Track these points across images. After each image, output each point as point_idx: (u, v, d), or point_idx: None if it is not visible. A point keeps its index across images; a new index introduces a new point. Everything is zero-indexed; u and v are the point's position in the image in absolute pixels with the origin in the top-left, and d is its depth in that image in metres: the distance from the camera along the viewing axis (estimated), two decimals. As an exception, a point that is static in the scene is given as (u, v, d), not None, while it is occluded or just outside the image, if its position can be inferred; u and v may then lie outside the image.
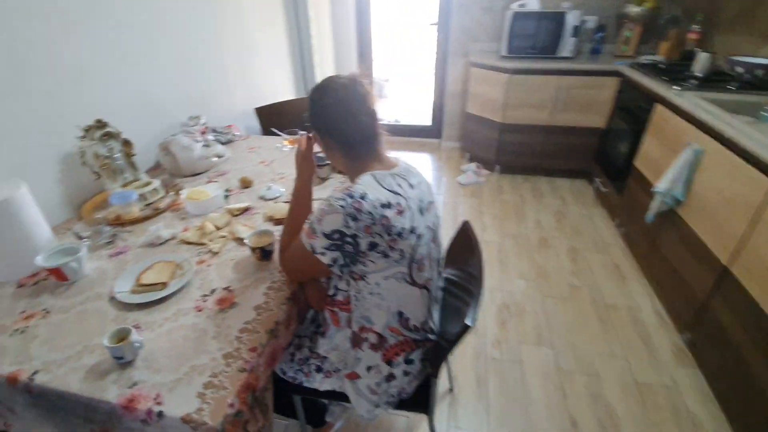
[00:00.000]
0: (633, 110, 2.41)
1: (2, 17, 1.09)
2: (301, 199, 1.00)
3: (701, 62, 2.14)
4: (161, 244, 1.17)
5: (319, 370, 0.98)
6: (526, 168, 3.27)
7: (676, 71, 2.26)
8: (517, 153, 3.15)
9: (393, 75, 5.76)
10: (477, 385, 1.56)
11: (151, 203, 1.38)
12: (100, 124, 1.30)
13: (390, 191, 0.81)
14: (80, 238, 1.16)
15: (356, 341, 0.92)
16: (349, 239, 0.78)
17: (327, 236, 0.79)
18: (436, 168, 3.53)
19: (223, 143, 1.90)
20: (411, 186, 0.86)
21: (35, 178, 1.22)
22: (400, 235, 0.79)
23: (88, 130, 1.28)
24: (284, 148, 1.84)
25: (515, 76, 2.85)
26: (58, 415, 0.82)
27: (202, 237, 1.18)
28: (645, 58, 2.69)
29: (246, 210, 1.33)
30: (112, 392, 0.74)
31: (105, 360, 0.80)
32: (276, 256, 1.09)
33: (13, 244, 1.02)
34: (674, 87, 2.01)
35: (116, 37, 1.44)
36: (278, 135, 1.87)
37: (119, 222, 1.26)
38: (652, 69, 2.38)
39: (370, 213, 0.76)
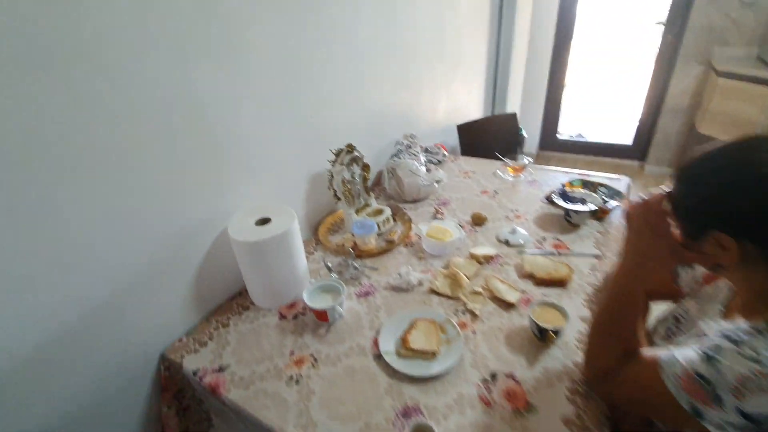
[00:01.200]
0: None
1: (288, 63, 1.09)
2: (630, 297, 0.69)
3: None
4: (407, 289, 1.05)
5: None
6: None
7: None
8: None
9: (573, 80, 5.10)
10: None
11: (382, 233, 1.29)
12: (350, 149, 1.25)
13: None
14: (329, 269, 1.11)
15: None
16: None
17: (748, 417, 0.49)
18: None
19: (434, 164, 1.78)
20: None
21: (289, 197, 1.23)
22: None
23: (338, 154, 1.25)
24: (506, 176, 1.62)
25: (797, 92, 2.12)
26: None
27: (454, 288, 1.02)
28: None
29: (492, 258, 1.14)
30: None
31: (396, 455, 0.67)
32: (559, 339, 0.86)
33: (282, 273, 1.00)
34: None
35: (357, 64, 1.40)
36: (500, 160, 1.65)
37: (358, 254, 1.19)
38: None
39: None
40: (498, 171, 1.66)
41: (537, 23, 3.17)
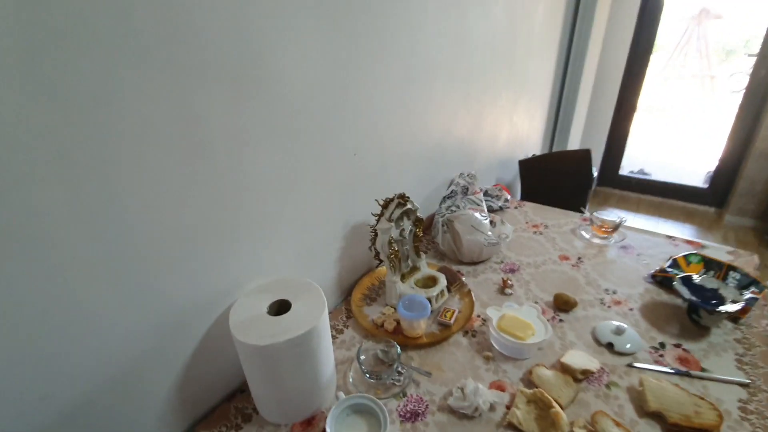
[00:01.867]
0: None
1: (323, 89, 0.82)
2: None
3: None
4: (473, 416, 0.74)
5: None
6: None
7: None
8: None
9: (642, 110, 4.67)
10: None
11: (434, 310, 0.98)
12: (402, 200, 0.96)
13: None
14: (363, 371, 0.81)
15: None
16: None
17: None
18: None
19: (494, 211, 1.46)
20: None
21: (316, 258, 0.95)
22: None
23: (386, 206, 0.95)
24: (591, 236, 1.28)
25: None
26: None
27: (545, 427, 0.70)
28: None
29: (593, 374, 0.81)
30: None
31: None
32: None
33: (300, 383, 0.71)
34: None
35: (413, 89, 1.11)
36: (583, 214, 1.32)
37: (402, 341, 0.89)
38: None
39: None
40: (580, 230, 1.33)
41: (608, 46, 2.82)
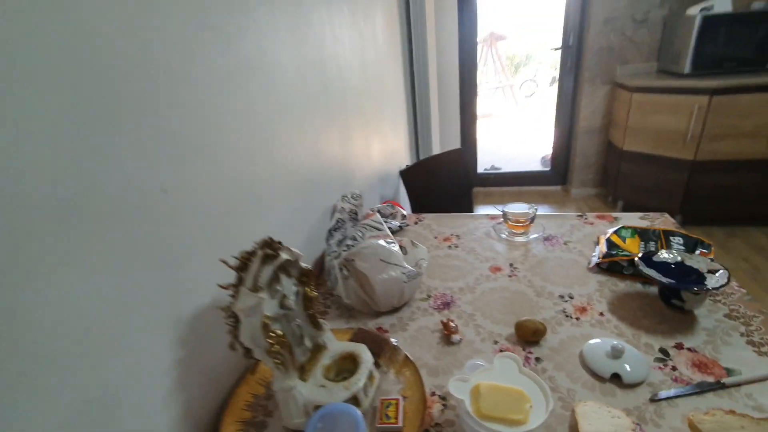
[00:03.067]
0: None
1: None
2: None
3: None
4: None
5: None
6: (730, 218, 2.41)
7: None
8: (716, 198, 2.32)
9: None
10: None
11: (365, 410, 0.60)
12: (270, 249, 0.56)
13: None
14: None
15: None
16: None
17: None
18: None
19: (394, 233, 1.16)
20: None
21: (123, 411, 0.48)
22: None
23: (243, 267, 0.54)
24: (510, 236, 1.07)
25: (718, 98, 2.08)
26: None
27: None
28: None
29: (627, 435, 0.53)
30: None
31: None
32: None
33: None
34: None
35: (270, 111, 0.76)
36: (497, 214, 1.11)
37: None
38: None
39: None
40: (492, 229, 1.12)
41: (441, 58, 2.92)
